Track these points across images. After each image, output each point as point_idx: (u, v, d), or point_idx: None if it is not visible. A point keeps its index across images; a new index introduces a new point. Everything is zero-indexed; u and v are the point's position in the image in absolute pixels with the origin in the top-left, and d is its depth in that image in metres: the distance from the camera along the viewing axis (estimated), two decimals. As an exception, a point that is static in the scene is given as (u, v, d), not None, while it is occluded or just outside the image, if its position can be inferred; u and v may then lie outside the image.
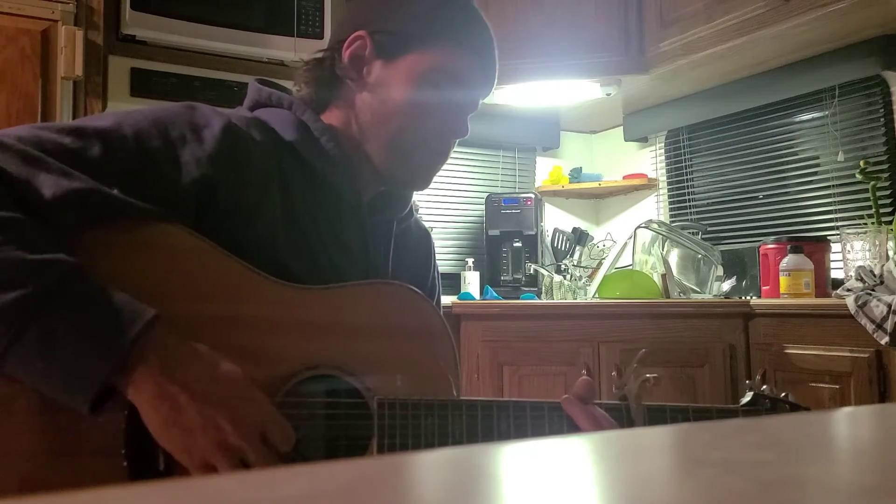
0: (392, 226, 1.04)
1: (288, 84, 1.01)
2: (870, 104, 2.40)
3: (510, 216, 2.97)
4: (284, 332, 0.81)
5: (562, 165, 3.26)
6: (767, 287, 2.24)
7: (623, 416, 0.86)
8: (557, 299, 2.65)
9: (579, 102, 2.95)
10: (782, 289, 2.13)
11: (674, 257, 2.58)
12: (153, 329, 0.71)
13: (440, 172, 1.02)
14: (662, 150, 3.13)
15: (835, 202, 2.48)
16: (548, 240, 3.15)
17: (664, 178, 3.12)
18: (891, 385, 1.75)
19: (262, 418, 0.74)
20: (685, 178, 3.05)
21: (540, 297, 2.74)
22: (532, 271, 2.84)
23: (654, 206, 3.15)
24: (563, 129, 3.34)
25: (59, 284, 0.69)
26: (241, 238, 0.84)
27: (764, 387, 0.90)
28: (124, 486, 0.25)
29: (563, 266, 2.93)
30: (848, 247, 2.15)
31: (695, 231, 2.73)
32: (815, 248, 2.16)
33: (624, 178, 3.18)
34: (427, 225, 1.23)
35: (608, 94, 2.79)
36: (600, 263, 2.77)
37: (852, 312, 1.76)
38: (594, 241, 3.10)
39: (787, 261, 2.13)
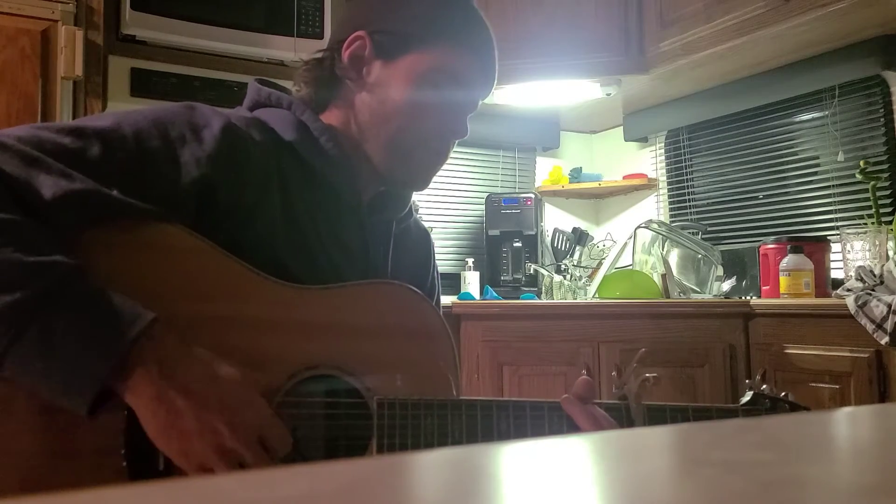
0: (391, 226, 1.04)
1: (288, 84, 1.01)
2: (870, 104, 2.40)
3: (510, 216, 2.97)
4: (284, 332, 0.81)
5: (562, 165, 3.26)
6: (767, 287, 2.24)
7: (623, 416, 0.86)
8: (557, 299, 2.65)
9: (579, 102, 2.95)
10: (782, 289, 2.13)
11: (674, 257, 2.58)
12: (152, 331, 0.71)
13: (440, 172, 1.02)
14: (662, 150, 3.13)
15: (835, 202, 2.48)
16: (548, 240, 3.16)
17: (664, 178, 3.12)
18: (891, 385, 1.75)
19: (259, 422, 0.74)
20: (685, 178, 3.05)
21: (540, 297, 2.74)
22: (532, 271, 2.84)
23: (654, 206, 3.15)
24: (563, 129, 3.34)
25: (58, 286, 0.69)
26: (240, 238, 0.84)
27: (764, 386, 0.90)
28: (124, 486, 0.25)
29: (563, 266, 2.93)
30: (848, 247, 2.15)
31: (695, 231, 2.73)
32: (815, 248, 2.16)
33: (624, 178, 3.18)
34: (427, 225, 1.24)
35: (608, 94, 2.79)
36: (600, 263, 2.77)
37: (852, 312, 1.76)
38: (594, 241, 3.10)
39: (787, 261, 2.13)
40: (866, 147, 2.40)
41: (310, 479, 0.27)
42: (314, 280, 0.86)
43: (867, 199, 2.25)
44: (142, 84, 2.33)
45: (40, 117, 2.02)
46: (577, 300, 2.60)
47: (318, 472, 0.28)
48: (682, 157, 3.05)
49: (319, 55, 1.00)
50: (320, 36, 2.47)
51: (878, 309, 1.71)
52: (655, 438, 0.38)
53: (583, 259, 2.96)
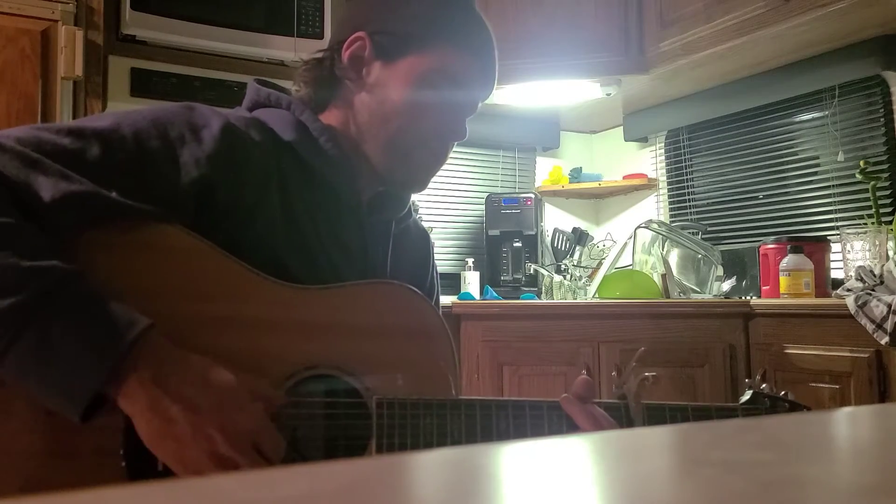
0: (391, 226, 1.04)
1: (287, 84, 1.01)
2: (870, 104, 2.40)
3: (510, 216, 2.97)
4: (283, 332, 0.81)
5: (562, 165, 3.26)
6: (767, 287, 2.24)
7: (622, 416, 0.86)
8: (557, 299, 2.65)
9: (579, 102, 2.95)
10: (782, 289, 2.13)
11: (674, 257, 2.58)
12: (147, 338, 0.71)
13: (440, 173, 1.02)
14: (662, 150, 3.13)
15: (835, 202, 2.48)
16: (548, 240, 3.16)
17: (664, 178, 3.12)
18: (891, 385, 1.75)
19: (253, 427, 0.73)
20: (685, 178, 3.05)
21: (540, 297, 2.74)
22: (532, 271, 2.84)
23: (654, 206, 3.15)
24: (563, 129, 3.34)
25: (54, 291, 0.69)
26: (239, 238, 0.84)
27: (763, 385, 0.90)
28: (124, 486, 0.25)
29: (563, 266, 2.93)
30: (848, 247, 2.15)
31: (695, 231, 2.73)
32: (815, 248, 2.16)
33: (624, 178, 3.18)
34: (427, 225, 1.23)
35: (608, 94, 2.79)
36: (600, 263, 2.77)
37: (852, 312, 1.76)
38: (594, 241, 3.10)
39: (787, 261, 2.13)
40: (866, 147, 2.40)
41: (310, 479, 0.27)
42: (313, 280, 0.86)
43: (867, 199, 2.25)
44: (142, 84, 2.33)
45: (40, 117, 2.02)
46: (577, 300, 2.60)
47: (318, 472, 0.28)
48: (682, 157, 3.05)
49: (319, 55, 1.00)
50: (320, 36, 2.47)
51: (878, 309, 1.71)
52: (655, 438, 0.38)
53: (583, 259, 2.96)
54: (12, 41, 2.00)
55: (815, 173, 2.56)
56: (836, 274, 2.23)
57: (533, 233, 2.95)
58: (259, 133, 0.90)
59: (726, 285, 2.53)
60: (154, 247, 0.79)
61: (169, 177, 0.81)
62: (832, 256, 2.22)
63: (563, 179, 3.19)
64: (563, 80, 2.69)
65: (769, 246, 2.25)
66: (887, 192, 2.31)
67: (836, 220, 2.46)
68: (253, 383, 0.76)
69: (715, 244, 2.70)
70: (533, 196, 2.98)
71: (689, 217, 3.00)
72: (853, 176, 2.32)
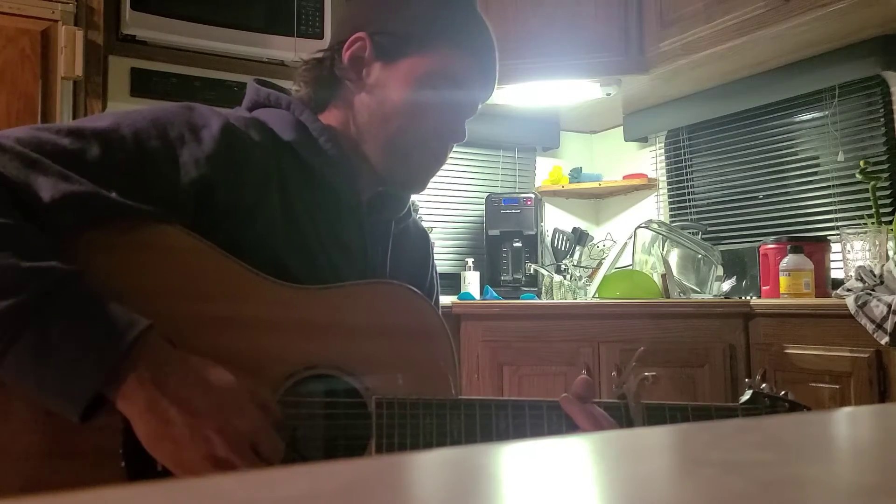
0: (390, 226, 1.04)
1: (287, 85, 1.01)
2: (870, 104, 2.40)
3: (510, 216, 2.97)
4: (283, 332, 0.81)
5: (562, 165, 3.26)
6: (767, 287, 2.24)
7: (622, 415, 0.86)
8: (557, 299, 2.65)
9: (579, 102, 2.95)
10: (782, 289, 2.13)
11: (674, 257, 2.58)
12: (146, 339, 0.71)
13: (440, 173, 1.02)
14: (662, 150, 3.13)
15: (835, 202, 2.48)
16: (548, 240, 3.16)
17: (664, 178, 3.12)
18: (891, 385, 1.75)
19: (251, 429, 0.73)
20: (685, 178, 3.05)
21: (540, 297, 2.74)
22: (532, 271, 2.84)
23: (654, 206, 3.15)
24: (563, 129, 3.34)
25: (54, 292, 0.69)
26: (239, 238, 0.84)
27: (763, 385, 0.90)
28: (124, 486, 0.25)
29: (563, 266, 2.93)
30: (848, 247, 2.15)
31: (695, 231, 2.73)
32: (815, 248, 2.16)
33: (624, 178, 3.18)
34: (427, 225, 1.24)
35: (608, 94, 2.79)
36: (600, 263, 2.77)
37: (852, 312, 1.76)
38: (594, 241, 3.10)
39: (787, 261, 2.13)
40: (866, 147, 2.40)
41: (310, 479, 0.27)
42: (313, 280, 0.86)
43: (867, 199, 2.25)
44: (142, 84, 2.33)
45: (40, 117, 2.02)
46: (577, 300, 2.60)
47: (318, 472, 0.28)
48: (682, 157, 3.05)
49: (319, 55, 1.00)
50: (320, 36, 2.47)
51: (878, 309, 1.71)
52: (655, 438, 0.38)
53: (583, 259, 2.96)
54: (12, 41, 2.00)
55: (815, 173, 2.56)
56: (836, 274, 2.23)
57: (533, 233, 2.95)
58: (259, 133, 0.90)
59: (726, 285, 2.53)
60: (154, 247, 0.79)
61: (169, 177, 0.81)
62: (832, 256, 2.22)
63: (563, 179, 3.19)
64: (563, 80, 2.69)
65: (769, 246, 2.25)
66: (887, 192, 2.31)
67: (836, 220, 2.46)
68: (252, 385, 0.76)
69: (715, 244, 2.70)
70: (533, 196, 2.98)
71: (689, 217, 3.00)
72: (853, 176, 2.32)
